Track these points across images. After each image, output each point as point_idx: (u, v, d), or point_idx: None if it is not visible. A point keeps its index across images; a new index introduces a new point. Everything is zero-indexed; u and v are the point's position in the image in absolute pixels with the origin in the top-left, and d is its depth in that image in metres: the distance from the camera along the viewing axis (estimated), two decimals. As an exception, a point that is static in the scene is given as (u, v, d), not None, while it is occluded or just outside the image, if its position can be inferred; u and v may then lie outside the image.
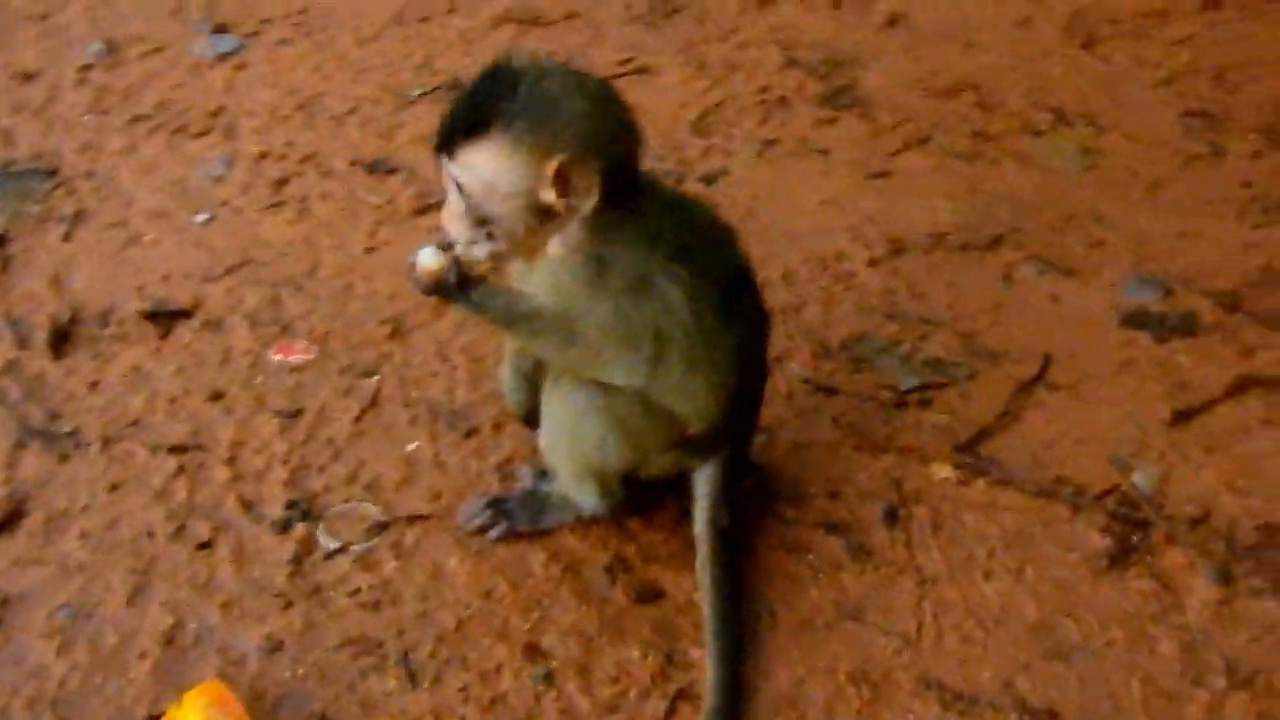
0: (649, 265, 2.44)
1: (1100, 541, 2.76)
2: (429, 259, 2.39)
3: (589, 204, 2.36)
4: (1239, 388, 3.10)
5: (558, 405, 2.64)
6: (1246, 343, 3.22)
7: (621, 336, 2.45)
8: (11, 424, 2.94)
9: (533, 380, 2.78)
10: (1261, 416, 3.03)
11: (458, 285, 2.40)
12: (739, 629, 2.55)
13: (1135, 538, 2.76)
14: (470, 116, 2.33)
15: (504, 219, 2.38)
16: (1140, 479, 2.87)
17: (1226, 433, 3.00)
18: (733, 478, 2.71)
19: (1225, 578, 2.68)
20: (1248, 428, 3.01)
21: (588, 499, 2.73)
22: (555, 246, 2.44)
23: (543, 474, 2.82)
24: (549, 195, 2.35)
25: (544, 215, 2.38)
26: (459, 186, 2.37)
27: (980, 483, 2.87)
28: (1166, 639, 2.58)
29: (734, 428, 2.70)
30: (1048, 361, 3.16)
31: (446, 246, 2.45)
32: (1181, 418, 3.03)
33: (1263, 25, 4.48)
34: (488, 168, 2.34)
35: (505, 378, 2.81)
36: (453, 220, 2.40)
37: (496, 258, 2.44)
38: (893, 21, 4.46)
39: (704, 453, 2.68)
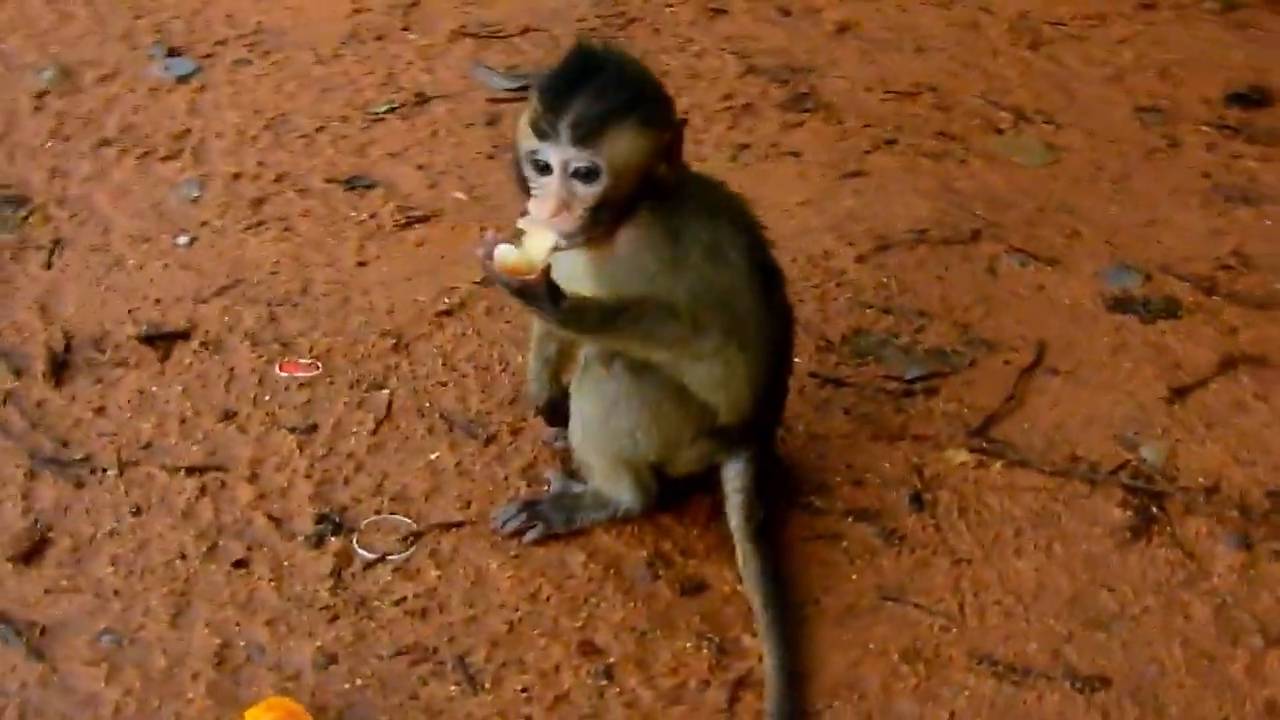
0: (717, 232, 2.51)
1: (1121, 515, 2.83)
2: (509, 256, 2.35)
3: (676, 171, 2.44)
4: (1228, 365, 3.21)
5: (589, 396, 2.66)
6: (1229, 322, 3.33)
7: (710, 303, 2.50)
8: (21, 454, 2.88)
9: (555, 368, 2.80)
10: (1254, 391, 3.14)
11: (549, 295, 2.38)
12: (789, 617, 2.57)
13: (1154, 509, 2.83)
14: (603, 102, 2.36)
15: (623, 199, 2.40)
16: (1149, 454, 2.96)
17: (1224, 408, 3.10)
18: (762, 471, 2.74)
19: (1245, 543, 2.76)
20: (1243, 402, 3.11)
21: (623, 494, 2.74)
22: (626, 234, 2.46)
23: (570, 475, 2.83)
24: (663, 166, 2.42)
25: (645, 191, 2.43)
26: (592, 173, 2.37)
27: (997, 465, 2.94)
28: (1199, 604, 2.65)
29: (762, 420, 2.74)
30: (1043, 348, 3.24)
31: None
32: (1179, 395, 3.12)
33: (1197, 26, 4.65)
34: (629, 148, 2.38)
35: (530, 366, 2.85)
36: (566, 212, 2.39)
37: (584, 243, 2.45)
38: (843, 29, 4.54)
39: (732, 447, 2.71)
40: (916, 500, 2.84)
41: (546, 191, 2.41)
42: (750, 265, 2.60)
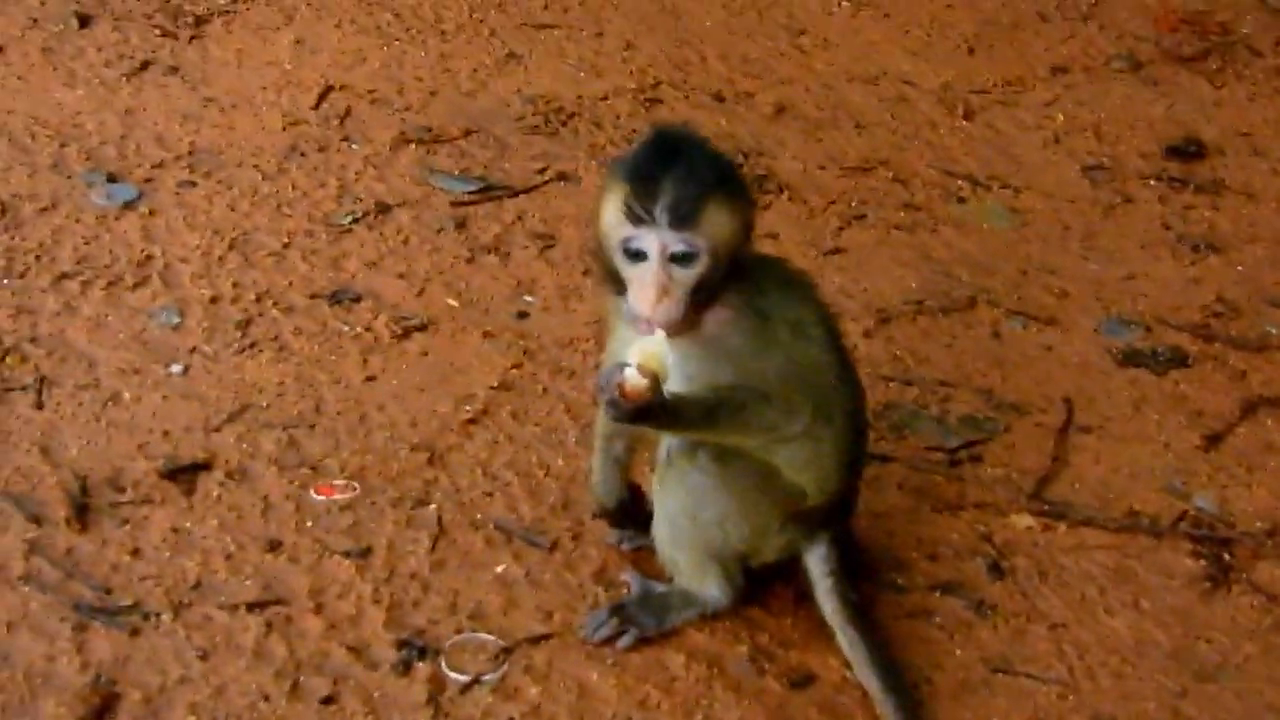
0: (798, 308, 2.51)
1: (1194, 565, 2.86)
2: (635, 380, 2.28)
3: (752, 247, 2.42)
4: (1249, 409, 3.28)
5: (674, 491, 2.60)
6: (1236, 367, 3.42)
7: (800, 382, 2.48)
8: (63, 607, 2.71)
9: (624, 467, 2.73)
10: (1280, 432, 3.21)
11: (660, 407, 2.31)
12: (913, 700, 2.53)
13: (1225, 557, 2.87)
14: (696, 182, 2.32)
15: (717, 280, 2.36)
16: (1203, 502, 3.00)
17: (1257, 451, 3.17)
18: (845, 552, 2.70)
19: (1320, 582, 2.81)
20: (1274, 444, 3.20)
21: (711, 590, 2.69)
22: (712, 318, 2.41)
23: (648, 575, 2.76)
24: (748, 243, 2.39)
25: (733, 271, 2.39)
26: (690, 255, 2.32)
27: (1062, 527, 2.95)
28: (1296, 647, 2.68)
29: (844, 499, 2.71)
30: (1070, 407, 3.27)
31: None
32: (1212, 443, 3.18)
33: (1111, 85, 4.80)
34: (725, 226, 2.36)
35: (595, 468, 2.77)
36: (667, 299, 2.34)
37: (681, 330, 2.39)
38: (779, 110, 4.58)
39: (814, 530, 2.67)
40: (995, 569, 2.84)
41: (645, 280, 2.35)
42: (828, 339, 2.58)
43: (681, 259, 2.35)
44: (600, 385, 2.33)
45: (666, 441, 2.63)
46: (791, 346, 2.49)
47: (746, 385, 2.46)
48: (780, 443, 2.53)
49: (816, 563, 2.68)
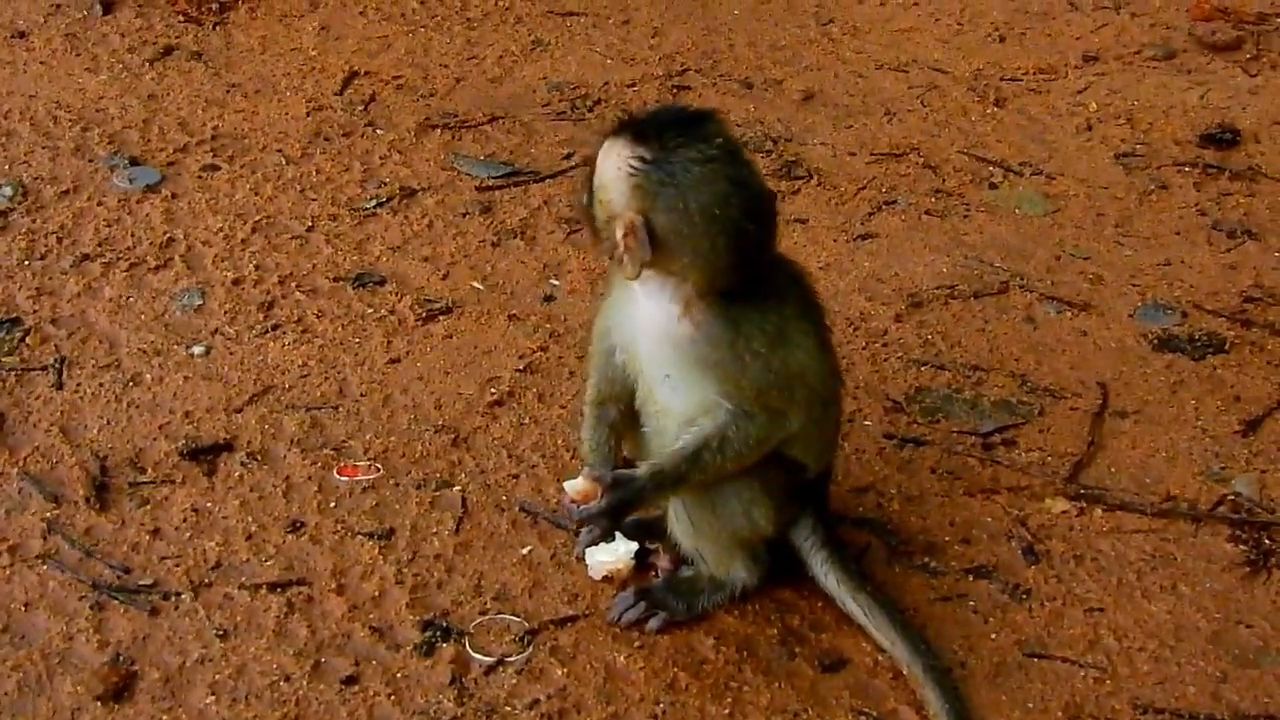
0: (776, 314, 2.45)
1: (1234, 550, 2.80)
2: (578, 485, 2.42)
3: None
4: (1289, 394, 3.21)
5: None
6: (1274, 353, 3.35)
7: (784, 385, 2.45)
8: (81, 586, 2.67)
9: (618, 434, 2.67)
10: (1322, 418, 3.14)
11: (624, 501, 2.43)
12: (940, 659, 2.48)
13: (1265, 541, 2.80)
14: None
15: None
16: (1242, 487, 2.94)
17: (1298, 436, 3.09)
18: (831, 527, 2.68)
19: (1362, 568, 2.74)
20: (1314, 430, 3.11)
21: (739, 572, 2.65)
22: (696, 320, 2.41)
23: (682, 560, 2.70)
24: None
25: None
26: None
27: (1097, 511, 2.89)
28: (1339, 632, 2.62)
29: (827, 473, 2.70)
30: (1106, 391, 3.21)
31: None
32: (1251, 428, 3.11)
33: (1144, 73, 4.73)
34: None
35: (587, 437, 2.68)
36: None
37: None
38: (808, 97, 4.52)
39: (803, 502, 2.63)
40: (1030, 552, 2.77)
41: None
42: (815, 331, 2.53)
43: None
44: (571, 516, 2.48)
45: (673, 425, 2.55)
46: (770, 356, 2.44)
47: (726, 406, 2.43)
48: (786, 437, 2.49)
49: (805, 537, 2.65)
